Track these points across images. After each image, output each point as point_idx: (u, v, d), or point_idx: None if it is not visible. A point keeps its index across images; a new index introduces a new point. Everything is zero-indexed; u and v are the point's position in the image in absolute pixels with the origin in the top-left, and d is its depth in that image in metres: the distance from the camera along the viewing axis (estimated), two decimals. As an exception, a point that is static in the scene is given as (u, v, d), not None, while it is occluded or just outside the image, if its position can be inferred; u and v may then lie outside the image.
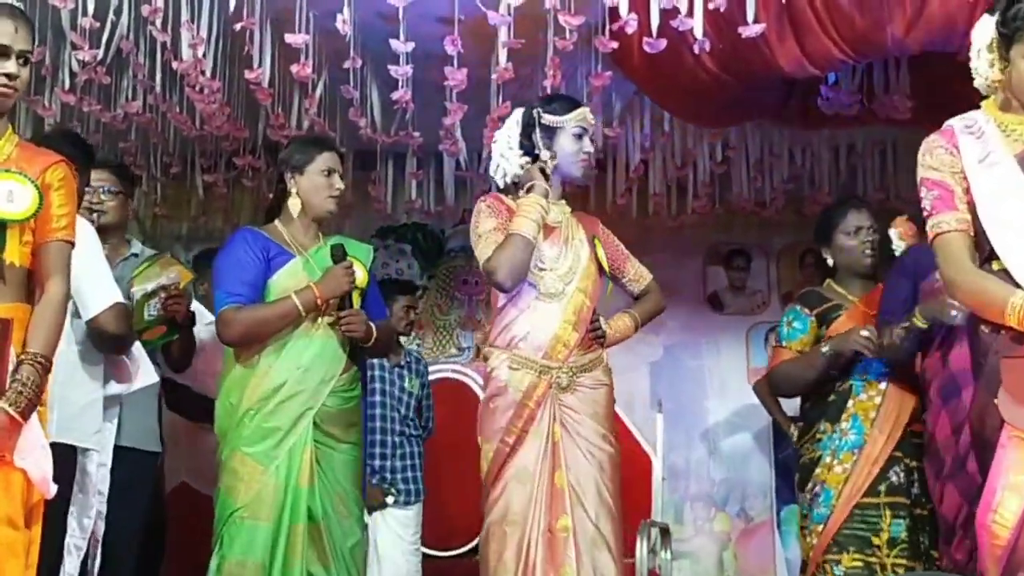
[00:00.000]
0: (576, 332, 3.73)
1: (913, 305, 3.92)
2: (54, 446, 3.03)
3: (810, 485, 4.15)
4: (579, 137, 3.83)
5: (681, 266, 7.47)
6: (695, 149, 6.28)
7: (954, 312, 3.53)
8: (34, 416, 2.87)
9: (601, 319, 3.85)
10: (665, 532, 5.34)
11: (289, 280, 3.91)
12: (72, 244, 3.05)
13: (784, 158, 6.57)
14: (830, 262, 4.40)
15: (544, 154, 3.79)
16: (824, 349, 4.17)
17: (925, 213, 2.86)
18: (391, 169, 6.77)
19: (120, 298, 3.75)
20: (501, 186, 3.96)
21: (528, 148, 3.83)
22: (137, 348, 3.91)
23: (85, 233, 3.73)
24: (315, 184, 4.01)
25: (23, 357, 2.86)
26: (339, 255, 3.93)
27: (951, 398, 3.63)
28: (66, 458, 3.49)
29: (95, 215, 4.10)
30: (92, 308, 3.64)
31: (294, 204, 4.03)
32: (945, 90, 5.04)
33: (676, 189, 6.79)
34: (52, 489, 2.93)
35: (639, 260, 4.07)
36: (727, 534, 7.16)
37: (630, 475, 5.40)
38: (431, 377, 5.95)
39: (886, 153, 6.57)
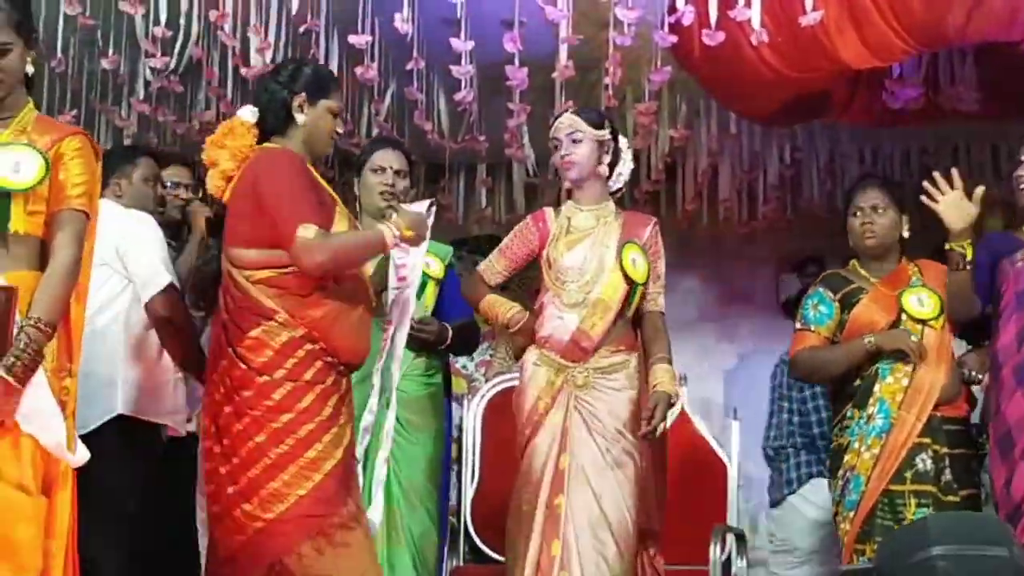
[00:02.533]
0: (593, 336, 3.80)
1: (992, 288, 3.87)
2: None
3: (841, 472, 4.05)
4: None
5: (754, 274, 7.46)
6: (763, 152, 6.26)
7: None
8: (42, 381, 2.84)
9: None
10: (741, 538, 5.29)
11: None
12: (87, 215, 2.99)
13: (855, 159, 6.52)
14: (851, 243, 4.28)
15: None
16: (868, 341, 4.03)
17: None
18: (461, 180, 6.86)
19: (173, 281, 3.84)
20: None
21: None
22: None
23: (141, 220, 3.92)
24: (368, 182, 4.11)
25: (24, 322, 2.81)
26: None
27: None
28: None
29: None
30: (145, 293, 3.79)
31: (359, 205, 4.13)
32: (1012, 82, 5.01)
33: (746, 194, 6.79)
34: (77, 457, 2.91)
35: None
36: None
37: (704, 482, 5.42)
38: (504, 386, 5.93)
39: (958, 152, 6.48)
